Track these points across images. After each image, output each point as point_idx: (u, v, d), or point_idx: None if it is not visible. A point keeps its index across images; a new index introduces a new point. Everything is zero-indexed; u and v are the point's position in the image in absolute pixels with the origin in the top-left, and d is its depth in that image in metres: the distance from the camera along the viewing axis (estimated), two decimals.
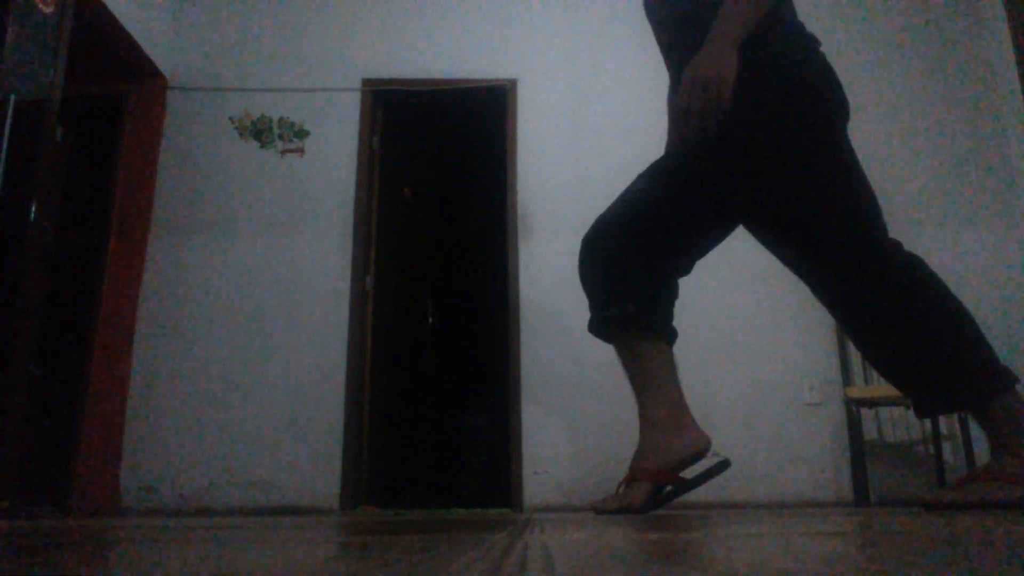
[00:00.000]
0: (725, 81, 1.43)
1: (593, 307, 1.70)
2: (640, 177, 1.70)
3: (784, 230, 1.56)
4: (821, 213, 1.51)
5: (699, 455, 1.61)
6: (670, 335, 1.68)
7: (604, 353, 3.30)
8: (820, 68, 1.60)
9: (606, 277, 1.65)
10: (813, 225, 1.52)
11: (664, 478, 1.59)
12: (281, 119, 3.59)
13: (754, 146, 1.52)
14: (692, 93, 1.44)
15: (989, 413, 1.46)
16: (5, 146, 2.21)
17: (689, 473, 1.62)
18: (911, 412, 3.23)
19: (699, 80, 1.44)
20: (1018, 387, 1.49)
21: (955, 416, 3.04)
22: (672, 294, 1.69)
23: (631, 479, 1.61)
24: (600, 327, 1.70)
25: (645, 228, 1.62)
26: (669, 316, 1.68)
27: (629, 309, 1.61)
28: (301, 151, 3.56)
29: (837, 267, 1.52)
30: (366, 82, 3.66)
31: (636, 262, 1.62)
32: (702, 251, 1.70)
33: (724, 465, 1.66)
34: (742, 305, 3.35)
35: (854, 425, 3.03)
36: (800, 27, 1.64)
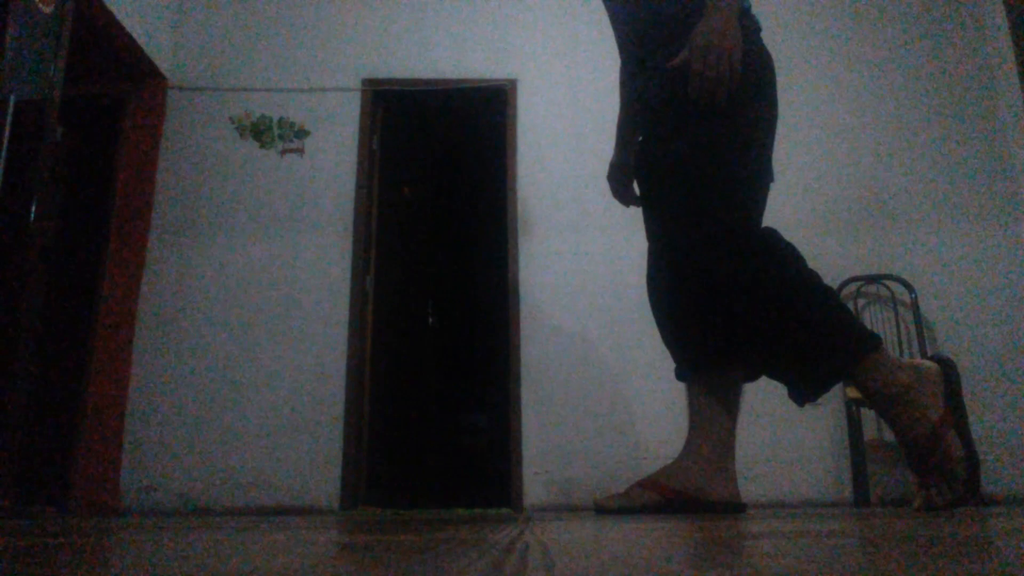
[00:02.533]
0: (736, 50, 1.49)
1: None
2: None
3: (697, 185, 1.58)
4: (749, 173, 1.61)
5: (723, 508, 1.60)
6: (742, 370, 1.68)
7: (604, 353, 3.31)
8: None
9: (664, 338, 1.76)
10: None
11: (676, 499, 1.59)
12: (281, 119, 3.59)
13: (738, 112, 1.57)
14: (706, 60, 1.48)
15: (863, 375, 1.45)
16: (5, 146, 2.21)
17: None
18: None
19: (713, 48, 1.48)
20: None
21: None
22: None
23: (644, 485, 1.62)
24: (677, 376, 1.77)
25: (667, 293, 1.72)
26: (732, 355, 1.67)
27: (683, 365, 1.70)
28: (301, 151, 3.56)
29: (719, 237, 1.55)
30: (366, 82, 3.66)
31: (675, 323, 1.71)
32: None
33: (739, 509, 1.65)
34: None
35: (854, 425, 3.03)
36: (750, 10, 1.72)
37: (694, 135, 1.56)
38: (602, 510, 1.64)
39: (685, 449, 1.64)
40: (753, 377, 1.71)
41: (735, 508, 1.63)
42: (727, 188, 1.54)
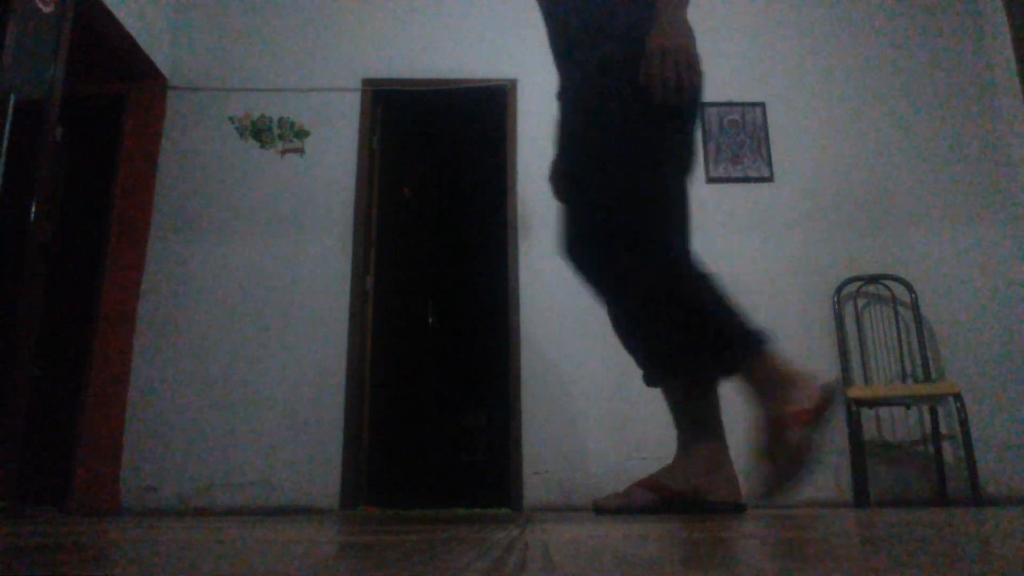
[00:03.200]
0: (693, 50, 1.49)
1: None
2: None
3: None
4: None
5: (723, 508, 1.60)
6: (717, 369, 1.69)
7: (603, 353, 3.31)
8: None
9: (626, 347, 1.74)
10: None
11: (676, 499, 1.59)
12: (281, 119, 3.59)
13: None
14: (665, 63, 1.47)
15: (749, 375, 1.52)
16: (5, 146, 2.21)
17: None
18: (911, 412, 3.23)
19: (671, 50, 1.47)
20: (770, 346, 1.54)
21: (955, 416, 3.05)
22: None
23: (643, 485, 1.62)
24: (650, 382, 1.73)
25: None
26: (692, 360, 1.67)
27: (649, 373, 1.70)
28: (301, 151, 3.56)
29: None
30: (366, 82, 3.66)
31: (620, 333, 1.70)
32: None
33: (739, 509, 1.65)
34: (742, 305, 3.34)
35: (854, 425, 3.03)
36: None
37: (592, 149, 1.56)
38: (602, 510, 1.64)
39: (681, 450, 1.64)
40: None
41: (735, 508, 1.62)
42: (641, 199, 1.54)
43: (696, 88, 1.51)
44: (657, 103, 1.50)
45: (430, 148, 4.82)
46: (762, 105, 3.60)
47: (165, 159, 3.53)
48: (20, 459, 2.41)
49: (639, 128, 1.54)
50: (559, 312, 3.36)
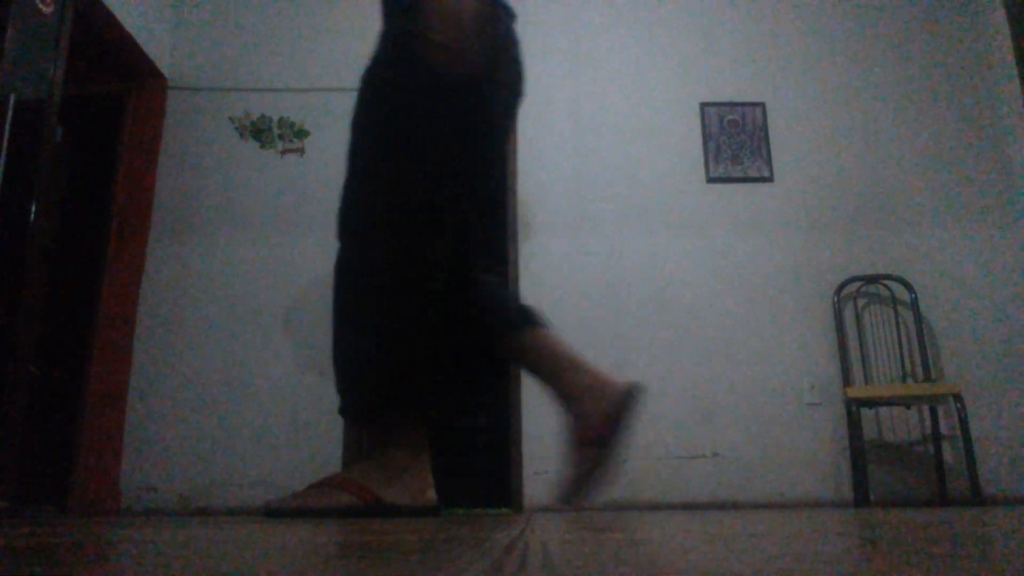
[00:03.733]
0: (474, 14, 1.40)
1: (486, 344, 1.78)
2: None
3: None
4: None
5: (632, 393, 1.58)
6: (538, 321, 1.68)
7: (603, 353, 3.31)
8: None
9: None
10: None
11: (609, 442, 1.59)
12: (281, 119, 3.59)
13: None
14: (442, 30, 1.40)
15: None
16: (5, 146, 2.21)
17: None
18: (911, 412, 3.23)
19: (451, 16, 1.39)
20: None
21: (955, 416, 3.05)
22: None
23: (580, 446, 1.61)
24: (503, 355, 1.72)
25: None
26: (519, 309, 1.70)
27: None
28: (301, 151, 3.56)
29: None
30: None
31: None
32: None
33: (637, 390, 1.62)
34: (742, 305, 3.35)
35: (854, 425, 3.03)
36: None
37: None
38: (579, 486, 1.64)
39: (570, 395, 1.61)
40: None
41: (632, 393, 1.62)
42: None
43: (476, 62, 1.41)
44: (445, 76, 1.42)
45: None
46: (762, 105, 3.60)
47: (165, 159, 3.53)
48: (20, 459, 2.41)
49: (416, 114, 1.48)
50: (559, 312, 3.35)
